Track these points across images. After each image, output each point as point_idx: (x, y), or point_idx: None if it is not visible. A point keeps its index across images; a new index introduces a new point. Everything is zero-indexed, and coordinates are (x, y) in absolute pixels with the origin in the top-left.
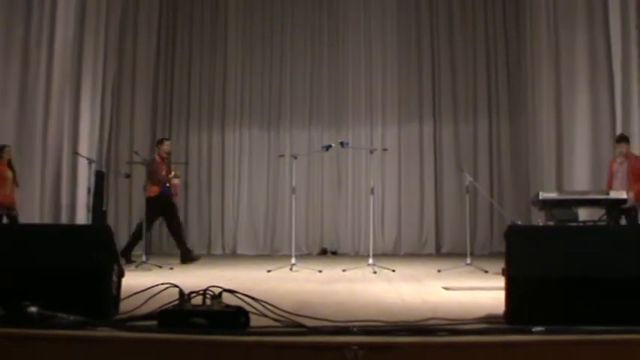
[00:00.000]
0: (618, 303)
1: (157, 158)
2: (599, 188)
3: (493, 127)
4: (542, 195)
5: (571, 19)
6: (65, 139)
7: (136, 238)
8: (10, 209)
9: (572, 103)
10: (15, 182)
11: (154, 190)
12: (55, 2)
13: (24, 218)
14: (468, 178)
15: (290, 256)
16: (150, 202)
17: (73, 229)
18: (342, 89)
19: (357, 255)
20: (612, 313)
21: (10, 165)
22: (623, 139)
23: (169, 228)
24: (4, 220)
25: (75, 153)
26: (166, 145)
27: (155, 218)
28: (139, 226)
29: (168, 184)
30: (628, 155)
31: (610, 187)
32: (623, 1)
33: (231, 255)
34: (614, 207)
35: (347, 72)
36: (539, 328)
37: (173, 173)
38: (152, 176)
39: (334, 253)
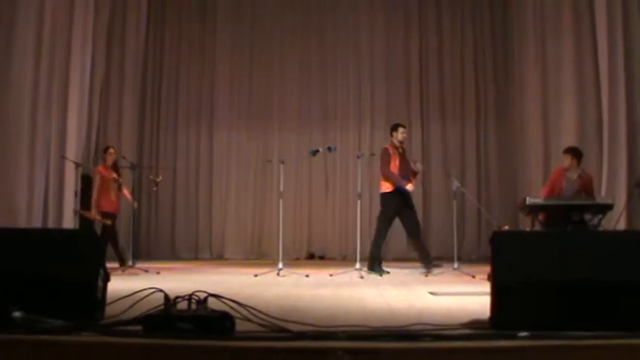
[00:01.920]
0: (603, 308)
1: (389, 147)
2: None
3: (481, 133)
4: (530, 200)
5: (558, 25)
6: (53, 143)
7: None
8: (114, 217)
9: (559, 109)
10: (119, 187)
11: (389, 185)
12: (42, 4)
13: (8, 222)
14: (456, 183)
15: (277, 261)
16: (386, 198)
17: (59, 234)
18: (331, 94)
19: (344, 259)
20: (597, 318)
21: (115, 168)
22: (570, 151)
23: (406, 228)
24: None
25: (62, 157)
26: (401, 133)
27: (393, 217)
28: (380, 227)
29: (408, 178)
30: (582, 174)
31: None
32: (609, 7)
33: (219, 259)
34: (602, 212)
35: (335, 76)
36: (524, 334)
37: (417, 164)
38: (385, 168)
39: (321, 258)
